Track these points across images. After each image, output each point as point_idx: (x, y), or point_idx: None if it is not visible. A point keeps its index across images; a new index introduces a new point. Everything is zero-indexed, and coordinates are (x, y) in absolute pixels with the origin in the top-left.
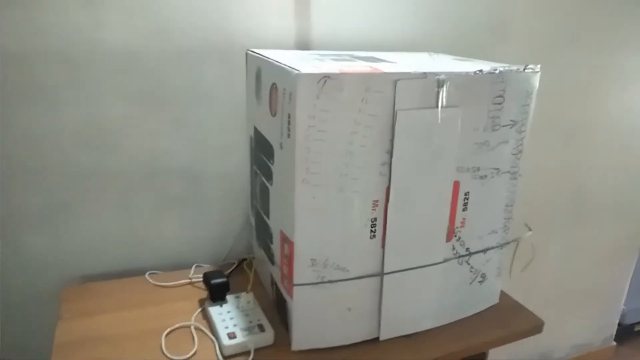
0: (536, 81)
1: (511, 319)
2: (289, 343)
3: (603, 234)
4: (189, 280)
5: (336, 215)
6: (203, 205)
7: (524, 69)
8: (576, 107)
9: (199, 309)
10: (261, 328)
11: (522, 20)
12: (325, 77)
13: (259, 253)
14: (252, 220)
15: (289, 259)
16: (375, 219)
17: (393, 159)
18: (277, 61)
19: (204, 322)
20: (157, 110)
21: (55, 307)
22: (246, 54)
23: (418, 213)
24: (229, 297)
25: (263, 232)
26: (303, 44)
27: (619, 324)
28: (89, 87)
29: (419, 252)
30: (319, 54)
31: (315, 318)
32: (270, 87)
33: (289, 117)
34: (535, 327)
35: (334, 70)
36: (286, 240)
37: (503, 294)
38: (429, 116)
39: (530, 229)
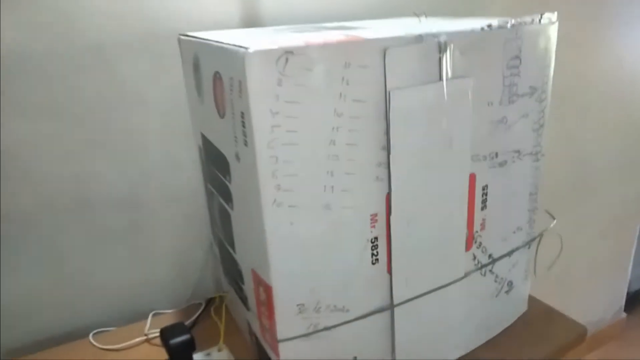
0: (554, 34)
1: (548, 330)
2: None
3: (607, 202)
4: (144, 337)
5: (325, 242)
6: (151, 237)
7: (540, 20)
8: (568, 67)
9: None
10: None
11: None
12: (287, 53)
13: (231, 292)
14: (216, 251)
15: (267, 306)
16: (376, 239)
17: (391, 156)
18: (218, 42)
19: None
20: (74, 126)
21: None
22: (178, 39)
23: (429, 222)
24: (197, 357)
25: (231, 268)
26: (251, 22)
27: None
28: None
29: (435, 270)
30: (273, 29)
31: None
32: (212, 77)
33: (242, 116)
34: (578, 336)
35: (298, 43)
36: (261, 283)
37: (530, 298)
38: (432, 93)
39: (553, 217)
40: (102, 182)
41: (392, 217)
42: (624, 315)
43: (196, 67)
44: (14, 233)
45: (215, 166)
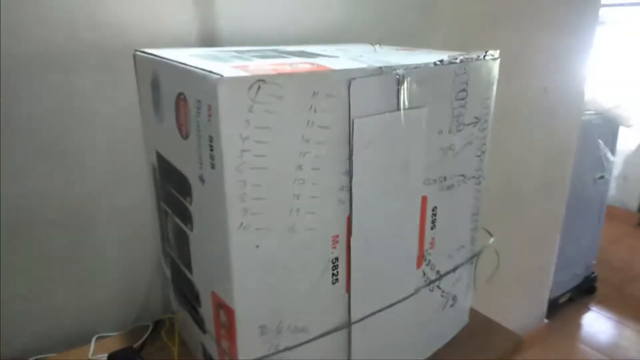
0: (496, 69)
1: (489, 340)
2: None
3: (531, 218)
4: None
5: (289, 263)
6: (96, 257)
7: (484, 56)
8: (499, 94)
9: None
10: None
11: (447, 4)
12: (259, 82)
13: (182, 313)
14: (167, 272)
15: (228, 329)
16: (337, 259)
17: (353, 180)
18: (182, 63)
19: None
20: (15, 141)
21: None
22: (134, 55)
23: (385, 242)
24: None
25: (184, 289)
26: (207, 40)
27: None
28: None
29: (389, 287)
30: (234, 51)
31: None
32: (175, 98)
33: (210, 140)
34: (515, 344)
35: (269, 71)
36: (222, 306)
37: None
38: (391, 121)
39: (491, 235)
40: (46, 200)
41: (352, 238)
42: (545, 321)
43: (155, 86)
44: None
45: (173, 186)
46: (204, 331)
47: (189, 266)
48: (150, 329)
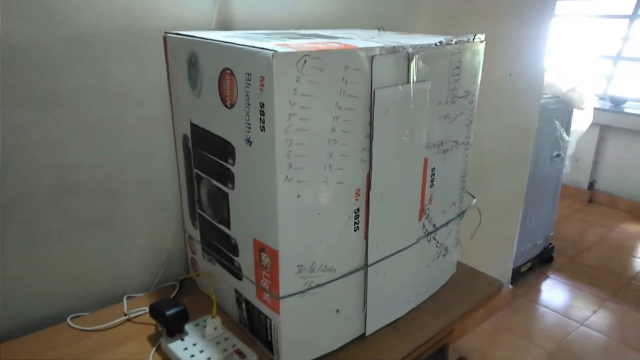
0: (482, 50)
1: (474, 285)
2: None
3: (498, 191)
4: (126, 317)
5: (322, 212)
6: (125, 224)
7: (473, 39)
8: None
9: (153, 349)
10: (241, 354)
11: None
12: (306, 56)
13: (210, 269)
14: (195, 234)
15: (271, 270)
16: (358, 210)
17: (373, 142)
18: (226, 42)
19: None
20: (57, 116)
21: None
22: (165, 37)
23: (396, 196)
24: (187, 327)
25: (218, 245)
26: (225, 24)
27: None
28: None
29: (397, 236)
30: (261, 33)
31: (305, 329)
32: (219, 74)
33: (261, 106)
34: (497, 287)
35: (311, 48)
36: (264, 249)
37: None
38: (403, 93)
39: (473, 197)
40: (81, 170)
41: (371, 192)
42: (510, 287)
43: (192, 64)
44: None
45: (212, 152)
46: (240, 278)
47: (226, 222)
48: (177, 287)
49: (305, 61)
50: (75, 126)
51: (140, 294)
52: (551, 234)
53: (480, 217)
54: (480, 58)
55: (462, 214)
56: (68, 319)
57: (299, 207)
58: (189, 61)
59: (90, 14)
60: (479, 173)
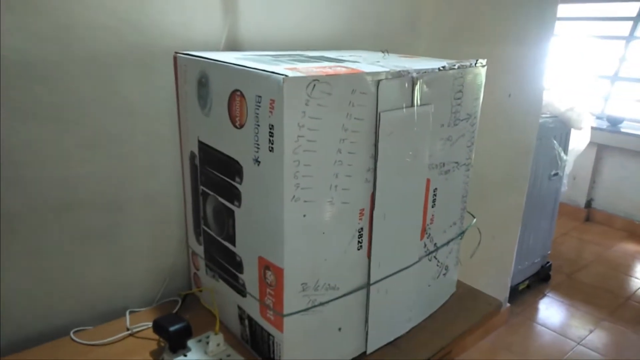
0: (484, 75)
1: (474, 305)
2: None
3: (496, 209)
4: (128, 332)
5: (327, 231)
6: (129, 238)
7: (475, 64)
8: None
9: None
10: None
11: (429, 18)
12: (315, 81)
13: (213, 285)
14: (198, 249)
15: (275, 287)
16: (362, 229)
17: (378, 163)
18: (236, 64)
19: None
20: (66, 130)
21: None
22: (175, 57)
23: (398, 216)
24: (190, 343)
25: (222, 261)
26: (233, 45)
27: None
28: None
29: (399, 255)
30: (269, 55)
31: (307, 347)
32: (229, 95)
33: (270, 128)
34: (496, 307)
35: (320, 73)
36: (269, 267)
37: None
38: (407, 116)
39: (474, 216)
40: (87, 184)
41: (375, 212)
42: (507, 305)
43: (202, 83)
44: (1, 231)
45: (219, 170)
46: (244, 295)
47: (231, 239)
48: (180, 302)
49: (314, 85)
50: (83, 140)
51: (143, 309)
52: (549, 252)
53: (480, 236)
54: (482, 81)
55: (462, 233)
56: (71, 333)
57: (305, 226)
58: (199, 81)
59: (101, 32)
60: (478, 191)
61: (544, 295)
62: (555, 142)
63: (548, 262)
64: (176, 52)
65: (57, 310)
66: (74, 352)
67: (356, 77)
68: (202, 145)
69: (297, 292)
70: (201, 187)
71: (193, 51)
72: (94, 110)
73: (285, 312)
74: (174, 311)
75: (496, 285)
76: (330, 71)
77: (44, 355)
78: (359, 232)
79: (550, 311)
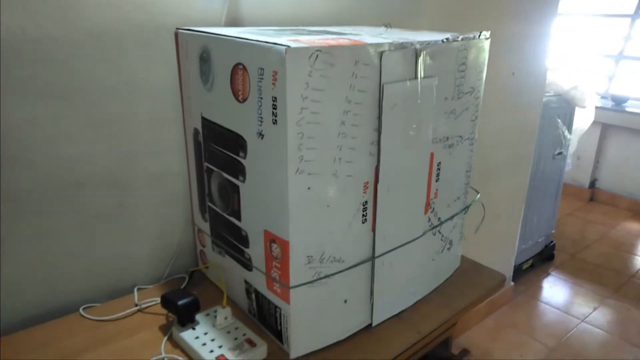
0: (487, 47)
1: (478, 279)
2: (284, 352)
3: (500, 188)
4: (137, 308)
5: (331, 204)
6: (135, 217)
7: (479, 36)
8: None
9: (165, 338)
10: (251, 343)
11: None
12: (318, 51)
13: (220, 261)
14: (204, 226)
15: (281, 260)
16: (366, 202)
17: (382, 136)
18: (238, 38)
19: (177, 351)
20: (70, 109)
21: None
22: (176, 33)
23: (402, 190)
24: (198, 317)
25: (228, 237)
26: (234, 22)
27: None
28: None
29: (403, 229)
30: (272, 30)
31: (314, 318)
32: (231, 69)
33: (273, 100)
34: (500, 281)
35: (323, 44)
36: (275, 241)
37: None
38: (410, 88)
39: (477, 192)
40: (93, 163)
41: (379, 185)
42: (511, 284)
43: (204, 59)
44: (9, 212)
45: (223, 145)
46: (250, 269)
47: (237, 214)
48: (187, 279)
49: (317, 56)
50: (87, 120)
51: (150, 286)
52: (552, 231)
53: (484, 212)
54: (486, 55)
55: (466, 208)
56: (81, 309)
57: (309, 199)
58: (201, 56)
59: (103, 10)
60: (482, 170)
61: (547, 274)
62: (559, 121)
63: (552, 242)
64: (177, 28)
65: (66, 287)
66: (85, 327)
67: (359, 48)
68: (205, 122)
69: (303, 265)
70: (205, 163)
71: (194, 27)
72: (97, 89)
73: (291, 284)
74: (182, 287)
75: (500, 263)
76: (333, 42)
77: (55, 331)
78: (364, 205)
79: (554, 290)
